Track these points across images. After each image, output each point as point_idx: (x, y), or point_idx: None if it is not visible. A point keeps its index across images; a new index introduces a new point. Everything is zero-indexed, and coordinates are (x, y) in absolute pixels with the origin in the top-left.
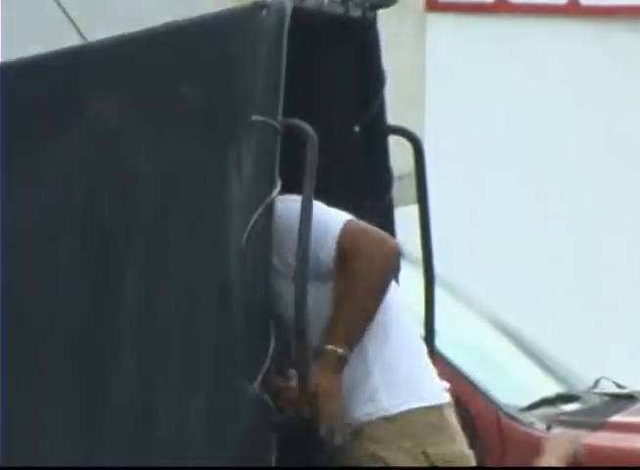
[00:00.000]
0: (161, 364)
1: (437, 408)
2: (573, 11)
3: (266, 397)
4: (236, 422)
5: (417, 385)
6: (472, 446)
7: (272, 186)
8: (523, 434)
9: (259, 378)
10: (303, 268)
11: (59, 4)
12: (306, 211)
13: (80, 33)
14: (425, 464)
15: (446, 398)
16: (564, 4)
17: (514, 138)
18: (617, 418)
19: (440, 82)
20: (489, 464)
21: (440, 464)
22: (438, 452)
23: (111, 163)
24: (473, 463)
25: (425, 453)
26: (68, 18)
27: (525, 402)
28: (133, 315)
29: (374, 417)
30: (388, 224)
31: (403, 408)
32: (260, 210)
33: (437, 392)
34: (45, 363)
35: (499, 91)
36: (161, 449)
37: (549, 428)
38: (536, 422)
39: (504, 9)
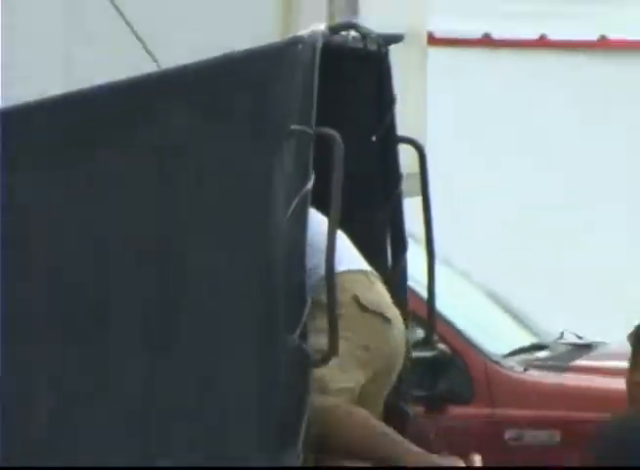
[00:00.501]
0: (222, 319)
1: (363, 272)
2: (543, 44)
3: (304, 345)
4: (281, 366)
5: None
6: (465, 385)
7: (306, 180)
8: (505, 375)
9: (298, 331)
10: (330, 260)
11: (132, 29)
12: (336, 201)
13: (152, 57)
14: (356, 305)
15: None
16: (535, 39)
17: (503, 148)
18: (578, 362)
19: (439, 102)
20: (479, 399)
21: (369, 307)
22: (366, 298)
23: (184, 165)
24: (394, 310)
25: (355, 297)
26: (142, 44)
27: (507, 351)
28: (201, 280)
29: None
30: (398, 213)
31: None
32: (297, 199)
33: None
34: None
35: (483, 107)
36: (222, 395)
37: (525, 370)
38: (515, 366)
39: (489, 43)
